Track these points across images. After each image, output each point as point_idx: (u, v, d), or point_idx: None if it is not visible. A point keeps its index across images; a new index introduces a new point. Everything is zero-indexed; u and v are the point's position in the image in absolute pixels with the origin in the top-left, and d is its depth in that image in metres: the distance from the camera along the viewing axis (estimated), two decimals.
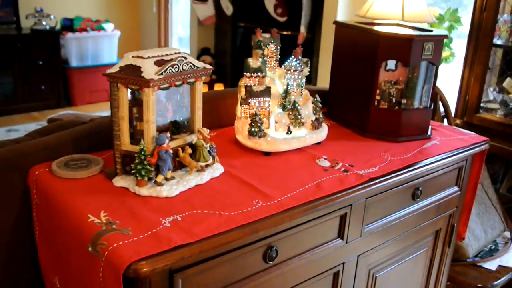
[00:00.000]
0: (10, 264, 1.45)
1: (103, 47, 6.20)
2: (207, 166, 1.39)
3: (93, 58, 6.15)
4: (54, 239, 1.33)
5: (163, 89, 1.27)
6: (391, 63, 1.77)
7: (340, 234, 1.45)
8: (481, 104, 2.91)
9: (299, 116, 1.61)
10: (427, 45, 1.64)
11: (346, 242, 1.47)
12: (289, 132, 1.59)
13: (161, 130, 1.34)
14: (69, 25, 6.00)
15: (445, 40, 3.49)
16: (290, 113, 1.61)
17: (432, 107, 1.81)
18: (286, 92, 1.64)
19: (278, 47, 1.71)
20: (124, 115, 1.28)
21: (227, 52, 5.38)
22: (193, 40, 5.79)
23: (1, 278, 1.44)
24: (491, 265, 2.24)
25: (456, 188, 1.84)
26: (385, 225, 1.58)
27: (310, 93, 1.75)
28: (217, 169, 1.41)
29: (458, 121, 2.92)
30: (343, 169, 1.49)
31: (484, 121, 2.85)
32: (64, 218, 1.23)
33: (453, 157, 1.69)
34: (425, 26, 2.95)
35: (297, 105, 1.60)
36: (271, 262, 1.28)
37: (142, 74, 1.22)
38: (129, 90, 1.28)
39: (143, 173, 1.25)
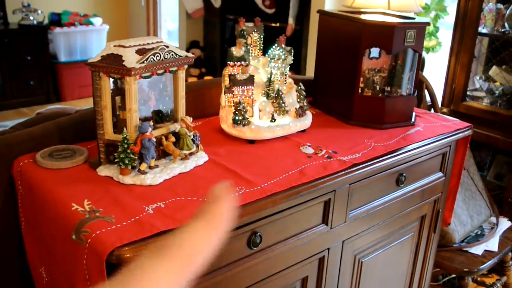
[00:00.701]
0: None
1: (91, 41, 6.17)
2: (191, 154, 1.40)
3: (81, 52, 6.12)
4: (39, 229, 1.33)
5: (145, 77, 1.27)
6: (375, 51, 1.79)
7: (325, 220, 1.47)
8: (468, 93, 2.94)
9: (283, 104, 1.62)
10: (409, 32, 1.66)
11: (331, 228, 1.49)
12: (273, 120, 1.60)
13: (145, 119, 1.35)
14: (57, 20, 5.97)
15: (431, 29, 3.53)
16: (274, 101, 1.62)
17: (415, 94, 1.83)
18: (270, 81, 1.65)
19: (261, 36, 1.71)
20: (107, 104, 1.29)
21: (216, 44, 5.38)
22: (182, 33, 5.78)
23: None
24: (477, 250, 2.27)
25: (440, 174, 1.86)
26: (369, 210, 1.60)
27: (295, 81, 1.76)
28: (201, 157, 1.42)
29: (445, 110, 2.95)
30: (326, 155, 1.51)
31: (471, 109, 2.88)
32: (48, 208, 1.24)
33: (436, 142, 1.71)
34: (411, 15, 2.97)
35: (281, 93, 1.61)
36: (255, 248, 1.29)
37: (124, 63, 1.23)
38: (111, 80, 1.28)
39: (127, 162, 1.26)
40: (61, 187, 1.26)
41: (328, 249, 1.52)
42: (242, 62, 1.59)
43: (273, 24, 4.50)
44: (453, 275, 2.57)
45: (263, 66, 1.71)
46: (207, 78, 5.32)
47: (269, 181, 1.32)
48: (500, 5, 2.83)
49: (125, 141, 1.25)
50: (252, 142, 1.57)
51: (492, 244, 2.31)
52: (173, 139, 1.35)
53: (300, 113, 1.66)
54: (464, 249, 2.25)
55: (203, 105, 1.81)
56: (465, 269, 2.14)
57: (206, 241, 0.78)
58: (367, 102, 1.76)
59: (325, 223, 1.47)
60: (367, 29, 1.67)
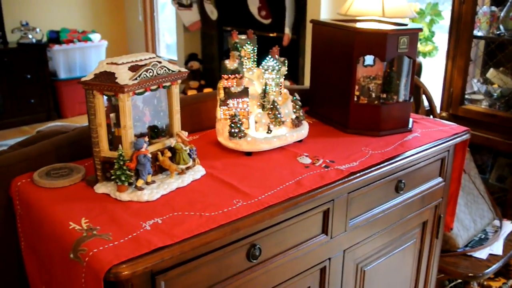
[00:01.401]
0: None
1: (90, 58, 6.21)
2: (187, 168, 1.40)
3: (81, 69, 6.15)
4: (38, 249, 1.33)
5: (138, 94, 1.28)
6: (369, 59, 1.79)
7: (324, 230, 1.46)
8: (466, 96, 2.93)
9: (278, 115, 1.62)
10: (402, 39, 1.66)
11: (331, 238, 1.48)
12: (269, 132, 1.60)
13: (140, 135, 1.35)
14: (55, 37, 6.01)
15: (427, 34, 3.53)
16: (270, 112, 1.62)
17: (411, 100, 1.83)
18: (265, 92, 1.65)
19: (255, 48, 1.72)
20: (102, 122, 1.29)
21: (214, 56, 5.40)
22: (180, 46, 5.81)
23: None
24: (482, 254, 2.25)
25: (440, 179, 1.85)
26: (369, 218, 1.59)
27: (290, 92, 1.76)
28: (198, 171, 1.42)
29: (444, 114, 2.94)
30: (324, 165, 1.50)
31: (470, 112, 2.87)
32: (46, 227, 1.24)
33: (434, 148, 1.71)
34: (406, 21, 2.98)
35: (276, 104, 1.62)
36: (255, 261, 1.28)
37: (117, 80, 1.23)
38: (105, 97, 1.28)
39: (123, 178, 1.26)
40: (59, 206, 1.26)
41: (329, 259, 1.51)
42: (236, 75, 1.59)
43: (270, 34, 4.51)
44: (459, 280, 2.56)
45: (258, 77, 1.71)
46: (206, 90, 5.34)
47: (266, 193, 1.32)
48: (494, 8, 2.84)
49: (121, 158, 1.25)
50: (249, 154, 1.57)
51: (497, 247, 2.30)
52: (169, 154, 1.35)
53: (296, 123, 1.66)
54: (468, 253, 2.24)
55: (200, 118, 1.81)
56: (470, 274, 2.13)
57: None
58: (363, 110, 1.76)
59: (325, 233, 1.46)
60: (359, 37, 1.67)
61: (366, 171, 1.49)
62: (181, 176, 1.37)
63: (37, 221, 1.29)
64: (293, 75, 4.23)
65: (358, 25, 1.84)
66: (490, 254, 2.26)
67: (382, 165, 1.53)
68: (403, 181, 1.65)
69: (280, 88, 1.71)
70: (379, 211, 1.62)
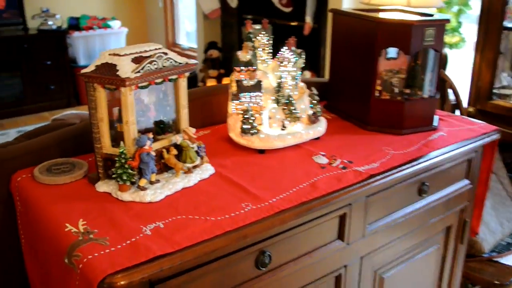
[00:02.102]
0: None
1: (110, 44, 6.16)
2: (195, 167, 1.31)
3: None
4: (37, 249, 1.27)
5: (142, 87, 1.19)
6: (392, 51, 1.67)
7: (340, 235, 1.37)
8: (494, 90, 2.78)
9: (294, 111, 1.52)
10: (428, 31, 1.54)
11: (348, 244, 1.39)
12: (283, 128, 1.50)
13: (145, 130, 1.26)
14: (75, 24, 5.97)
15: (454, 25, 3.37)
16: (285, 107, 1.52)
17: (437, 96, 1.71)
18: (280, 86, 1.55)
19: (270, 38, 1.62)
20: (103, 116, 1.21)
21: (234, 45, 5.29)
22: (200, 34, 5.71)
23: None
24: (509, 260, 2.13)
25: (466, 182, 1.73)
26: (389, 223, 1.49)
27: (308, 85, 1.66)
28: (206, 170, 1.33)
29: (471, 109, 2.80)
30: (341, 166, 1.40)
31: (498, 108, 2.72)
32: (43, 227, 1.17)
33: (461, 149, 1.59)
34: (433, 11, 2.83)
35: (291, 99, 1.52)
36: (264, 268, 1.20)
37: (118, 73, 1.15)
38: (107, 90, 1.20)
39: (125, 178, 1.18)
40: (57, 205, 1.18)
41: (345, 266, 1.42)
42: (249, 67, 1.49)
43: (291, 23, 4.39)
44: None
45: (273, 70, 1.61)
46: (225, 79, 5.25)
47: (278, 196, 1.22)
48: None
49: (123, 156, 1.17)
50: (261, 152, 1.48)
51: None
52: (174, 151, 1.27)
53: (313, 119, 1.56)
54: (495, 259, 2.11)
55: (211, 112, 1.72)
56: (495, 281, 2.01)
57: None
58: (384, 106, 1.64)
59: (341, 238, 1.37)
60: (382, 28, 1.56)
61: (387, 174, 1.38)
62: (187, 175, 1.29)
63: (35, 220, 1.22)
64: (314, 65, 4.10)
65: (381, 15, 1.72)
66: None
67: (404, 166, 1.43)
68: (426, 183, 1.54)
69: (297, 82, 1.61)
70: (400, 216, 1.51)
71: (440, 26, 1.58)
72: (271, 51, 1.64)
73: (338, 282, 1.42)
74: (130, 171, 1.18)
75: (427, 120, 1.67)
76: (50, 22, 5.77)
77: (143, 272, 0.96)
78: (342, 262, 1.40)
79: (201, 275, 1.07)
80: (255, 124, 1.46)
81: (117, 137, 1.24)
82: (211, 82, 5.28)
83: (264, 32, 1.60)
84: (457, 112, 2.71)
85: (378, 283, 1.57)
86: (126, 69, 1.15)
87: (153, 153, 1.20)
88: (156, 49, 1.27)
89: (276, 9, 4.49)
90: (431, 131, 1.67)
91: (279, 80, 1.55)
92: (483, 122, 1.79)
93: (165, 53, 1.23)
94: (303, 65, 1.62)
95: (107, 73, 1.16)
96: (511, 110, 2.66)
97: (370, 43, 1.59)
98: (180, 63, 1.26)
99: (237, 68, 1.49)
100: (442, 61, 2.05)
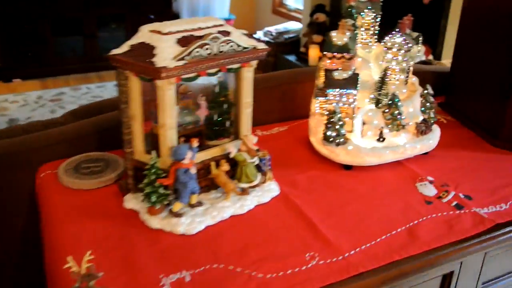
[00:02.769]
0: (18, 277, 1.20)
1: (215, 2, 5.92)
2: (253, 187, 0.99)
3: (204, 11, 5.90)
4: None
5: (187, 80, 0.87)
6: None
7: None
8: None
9: (398, 116, 1.13)
10: None
11: None
12: (381, 139, 1.13)
13: (190, 135, 0.95)
14: None
15: None
16: (386, 110, 1.14)
17: None
18: (383, 80, 1.16)
19: (378, 16, 1.22)
20: (136, 114, 0.92)
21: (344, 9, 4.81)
22: None
23: None
24: None
25: None
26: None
27: (422, 74, 1.25)
28: (268, 191, 1.01)
29: None
30: (455, 202, 1.01)
31: None
32: (48, 249, 0.93)
33: None
34: None
35: (397, 99, 1.13)
36: None
37: (154, 59, 0.84)
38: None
39: (153, 199, 0.89)
40: (69, 224, 0.94)
41: None
42: (345, 54, 1.12)
43: None
44: None
45: (376, 58, 1.23)
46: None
47: (359, 247, 0.87)
48: None
49: (153, 171, 0.88)
50: (348, 167, 1.12)
51: None
52: (226, 167, 0.95)
53: (423, 129, 1.16)
54: None
55: (293, 103, 1.38)
56: None
57: None
58: None
59: None
60: None
61: None
62: (241, 197, 0.97)
63: (45, 237, 0.98)
64: (431, 39, 3.54)
65: None
66: None
67: None
68: None
69: (407, 76, 1.20)
70: None
71: None
72: (377, 32, 1.24)
73: None
74: (161, 190, 0.89)
75: None
76: None
77: None
78: None
79: None
80: (343, 131, 1.10)
81: (154, 141, 0.95)
82: (314, 49, 4.87)
83: (370, 7, 1.20)
84: None
85: None
86: (166, 54, 0.84)
87: (194, 170, 0.89)
88: (214, 25, 0.94)
89: None
90: None
91: (383, 73, 1.16)
92: None
93: (226, 33, 0.90)
94: (418, 53, 1.21)
95: (142, 58, 0.85)
96: None
97: None
98: (245, 48, 0.92)
99: (329, 54, 1.13)
100: None
